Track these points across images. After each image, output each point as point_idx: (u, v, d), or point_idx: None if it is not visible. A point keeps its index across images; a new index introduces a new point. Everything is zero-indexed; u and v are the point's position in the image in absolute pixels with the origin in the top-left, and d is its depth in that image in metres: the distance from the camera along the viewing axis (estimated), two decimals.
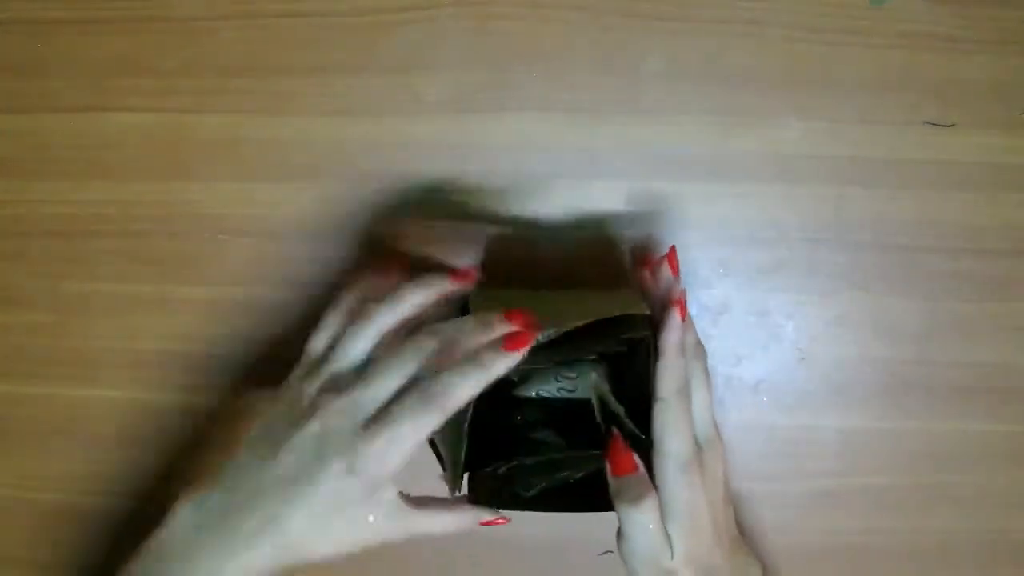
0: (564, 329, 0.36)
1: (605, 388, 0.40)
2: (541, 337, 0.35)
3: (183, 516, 0.35)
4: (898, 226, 0.47)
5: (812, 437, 0.48)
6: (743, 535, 0.43)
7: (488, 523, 0.39)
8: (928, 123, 0.47)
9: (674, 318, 0.37)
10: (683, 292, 0.39)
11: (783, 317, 0.48)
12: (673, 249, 0.42)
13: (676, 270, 0.41)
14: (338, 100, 0.48)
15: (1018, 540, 0.48)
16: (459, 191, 0.48)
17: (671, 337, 0.37)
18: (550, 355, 0.38)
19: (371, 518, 0.35)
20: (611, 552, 0.50)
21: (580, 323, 0.36)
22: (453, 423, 0.34)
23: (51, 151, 0.49)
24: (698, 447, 0.38)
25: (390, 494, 0.35)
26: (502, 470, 0.37)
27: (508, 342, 0.35)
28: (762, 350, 0.48)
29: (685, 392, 0.38)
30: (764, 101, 0.47)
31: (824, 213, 0.47)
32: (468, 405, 0.34)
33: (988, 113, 0.46)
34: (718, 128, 0.47)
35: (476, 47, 0.47)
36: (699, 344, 0.40)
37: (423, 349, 0.35)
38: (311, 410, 0.35)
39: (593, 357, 0.42)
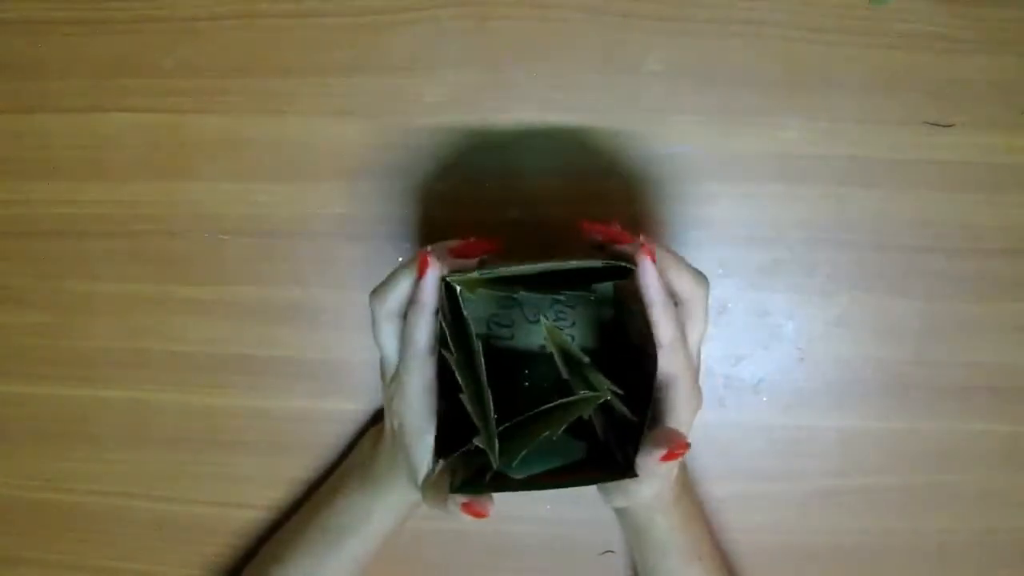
0: (548, 267, 0.36)
1: (564, 337, 0.38)
2: (528, 268, 0.36)
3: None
4: (898, 226, 0.47)
5: (812, 437, 0.48)
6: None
7: (471, 512, 0.34)
8: (928, 123, 0.47)
9: (644, 261, 0.34)
10: (647, 240, 0.35)
11: (783, 317, 0.48)
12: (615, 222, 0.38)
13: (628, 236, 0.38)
14: (338, 100, 0.48)
15: (1018, 540, 0.48)
16: (459, 192, 0.48)
17: (650, 281, 0.34)
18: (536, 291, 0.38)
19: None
20: (611, 552, 0.50)
21: (566, 263, 0.36)
22: (472, 381, 0.34)
23: (51, 151, 0.49)
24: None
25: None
26: (473, 447, 0.35)
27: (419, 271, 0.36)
28: (762, 350, 0.48)
29: (682, 335, 0.35)
30: (764, 101, 0.47)
31: (824, 213, 0.47)
32: (477, 356, 0.34)
33: (988, 113, 0.46)
34: (718, 128, 0.47)
35: (476, 47, 0.47)
36: (700, 276, 0.37)
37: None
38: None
39: (563, 297, 0.40)
